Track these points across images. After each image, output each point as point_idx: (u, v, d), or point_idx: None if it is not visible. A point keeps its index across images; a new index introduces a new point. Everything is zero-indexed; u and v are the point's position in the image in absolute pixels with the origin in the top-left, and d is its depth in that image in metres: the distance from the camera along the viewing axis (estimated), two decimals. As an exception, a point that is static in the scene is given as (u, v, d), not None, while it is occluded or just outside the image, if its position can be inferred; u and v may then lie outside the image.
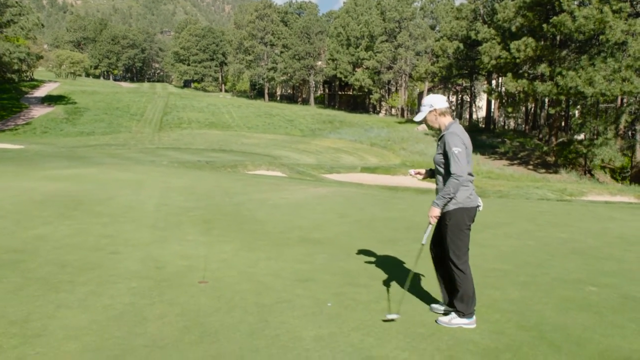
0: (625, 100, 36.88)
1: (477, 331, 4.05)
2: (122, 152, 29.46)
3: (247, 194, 12.00)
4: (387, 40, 68.22)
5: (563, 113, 46.04)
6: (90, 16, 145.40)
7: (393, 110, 76.89)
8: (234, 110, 62.81)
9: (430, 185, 17.87)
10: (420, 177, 4.53)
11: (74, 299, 4.56)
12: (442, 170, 4.15)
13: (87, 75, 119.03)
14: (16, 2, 49.33)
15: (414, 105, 76.83)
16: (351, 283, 5.25)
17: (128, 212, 8.92)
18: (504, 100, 44.59)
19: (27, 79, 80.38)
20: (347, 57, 75.13)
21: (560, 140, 42.58)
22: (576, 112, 49.37)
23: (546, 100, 48.08)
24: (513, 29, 38.55)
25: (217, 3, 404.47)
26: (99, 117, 52.17)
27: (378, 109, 79.31)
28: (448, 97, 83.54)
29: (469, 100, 72.27)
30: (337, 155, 39.93)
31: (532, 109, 59.44)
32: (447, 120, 4.16)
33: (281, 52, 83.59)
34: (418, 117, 4.25)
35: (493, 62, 40.70)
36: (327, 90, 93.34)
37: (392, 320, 4.19)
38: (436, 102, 4.16)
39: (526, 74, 40.56)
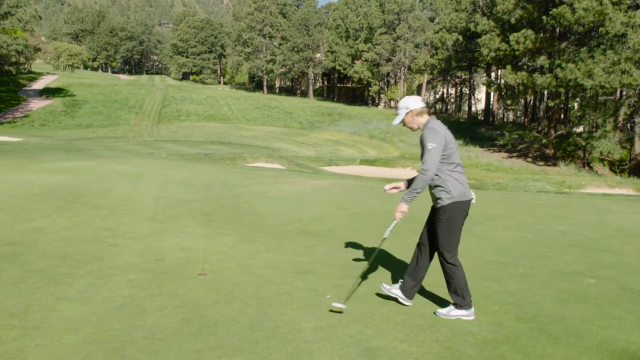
0: (624, 93, 36.82)
1: (476, 323, 4.06)
2: (120, 145, 29.43)
3: (246, 186, 12.00)
4: (386, 32, 67.97)
5: (562, 105, 45.99)
6: (88, 8, 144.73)
7: (392, 103, 76.74)
8: (233, 103, 62.68)
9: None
10: (397, 191, 4.50)
11: (73, 292, 4.57)
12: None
13: (86, 67, 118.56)
14: (13, -6, 49.07)
15: (413, 98, 76.63)
16: (350, 275, 5.27)
17: (127, 205, 8.91)
18: (503, 93, 44.52)
19: (25, 71, 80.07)
20: (346, 49, 74.87)
21: (559, 132, 42.57)
22: (575, 104, 49.34)
23: (545, 92, 48.02)
24: (512, 21, 38.40)
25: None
26: (98, 110, 52.03)
27: (377, 102, 79.16)
28: (447, 90, 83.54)
29: (468, 92, 72.17)
30: (336, 148, 39.90)
31: (531, 102, 59.44)
32: (424, 119, 4.19)
33: (280, 44, 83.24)
34: (396, 121, 4.28)
35: (492, 54, 40.57)
36: (326, 83, 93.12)
37: (340, 311, 4.17)
38: (412, 103, 4.18)
39: (525, 66, 40.46)
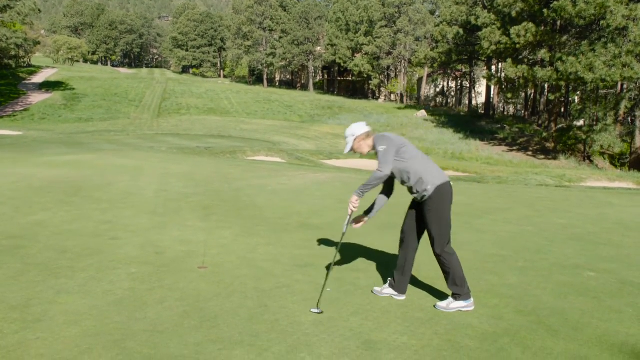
0: (625, 86, 36.74)
1: (476, 316, 4.07)
2: (120, 138, 29.42)
3: (246, 179, 12.00)
4: (386, 26, 67.78)
5: (563, 99, 45.89)
6: (87, 1, 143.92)
7: (392, 96, 76.67)
8: (233, 96, 62.60)
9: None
10: (362, 224, 4.63)
11: (74, 285, 4.57)
12: (404, 178, 4.22)
13: (85, 61, 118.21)
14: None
15: (413, 91, 76.63)
16: (350, 268, 5.28)
17: (127, 198, 8.92)
18: (503, 86, 44.41)
19: (25, 65, 79.92)
20: (346, 43, 74.68)
21: (560, 126, 42.52)
22: (576, 98, 49.25)
23: (546, 86, 47.90)
24: (513, 14, 38.25)
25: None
26: (97, 104, 51.98)
27: (377, 95, 79.04)
28: (447, 83, 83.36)
29: (468, 86, 72.03)
30: (336, 141, 39.85)
31: (532, 95, 59.30)
32: (371, 140, 4.28)
33: (280, 37, 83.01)
34: (346, 150, 4.40)
35: (493, 47, 40.47)
36: (326, 76, 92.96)
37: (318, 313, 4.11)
38: (356, 130, 4.28)
39: (526, 60, 40.34)
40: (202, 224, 7.15)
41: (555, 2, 33.49)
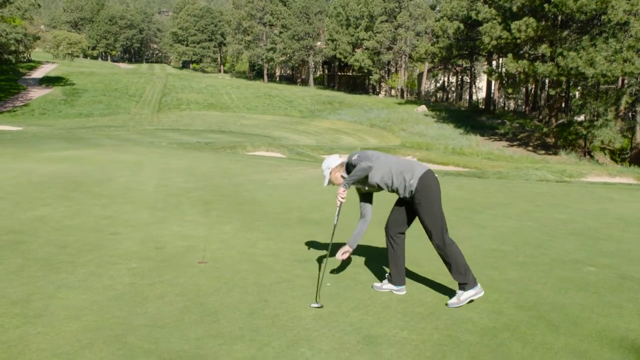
0: (626, 81, 36.66)
1: (476, 310, 4.08)
2: (120, 134, 29.41)
3: (247, 174, 12.00)
4: (387, 21, 67.56)
5: (563, 94, 45.83)
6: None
7: (393, 91, 76.51)
8: (233, 91, 62.52)
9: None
10: (347, 254, 4.60)
11: (74, 280, 4.58)
12: (388, 182, 4.28)
13: (85, 56, 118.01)
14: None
15: (414, 86, 76.47)
16: (350, 263, 5.28)
17: (127, 193, 8.92)
18: (504, 81, 44.29)
19: (25, 60, 79.66)
20: (347, 38, 74.46)
21: (560, 121, 42.46)
22: (577, 93, 49.12)
23: (547, 81, 47.81)
24: (514, 8, 38.13)
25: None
26: (97, 99, 51.92)
27: (378, 90, 78.91)
28: (448, 79, 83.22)
29: (469, 81, 71.87)
30: (337, 136, 39.84)
31: (533, 90, 59.18)
32: (343, 168, 4.46)
33: (280, 32, 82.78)
34: (325, 183, 4.60)
35: (494, 42, 40.35)
36: (326, 71, 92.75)
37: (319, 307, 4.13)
38: (331, 163, 4.48)
39: (527, 55, 40.24)
40: (202, 219, 7.16)
41: (556, -3, 33.38)
